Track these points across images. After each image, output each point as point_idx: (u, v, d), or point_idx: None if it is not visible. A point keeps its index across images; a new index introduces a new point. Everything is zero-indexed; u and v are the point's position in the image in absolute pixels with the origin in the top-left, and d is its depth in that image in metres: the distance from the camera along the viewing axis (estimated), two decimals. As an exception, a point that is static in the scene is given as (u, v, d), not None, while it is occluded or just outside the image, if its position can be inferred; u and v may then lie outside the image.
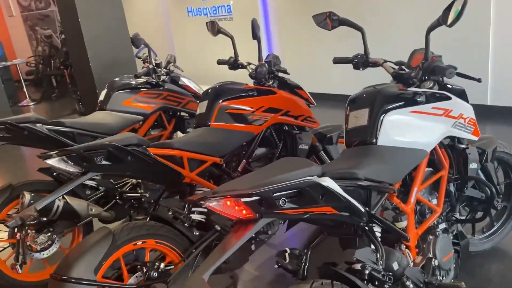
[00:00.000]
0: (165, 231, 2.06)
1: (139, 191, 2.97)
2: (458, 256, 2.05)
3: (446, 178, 2.00)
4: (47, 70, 9.74)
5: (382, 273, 1.48)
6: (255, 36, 2.49)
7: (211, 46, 7.34)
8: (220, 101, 2.45)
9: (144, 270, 1.95)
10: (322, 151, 2.82)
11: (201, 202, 1.34)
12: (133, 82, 3.22)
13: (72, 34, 4.05)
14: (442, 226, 1.95)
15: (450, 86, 2.04)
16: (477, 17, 4.65)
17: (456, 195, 2.07)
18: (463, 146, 2.08)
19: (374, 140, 1.77)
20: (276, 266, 1.68)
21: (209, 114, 2.43)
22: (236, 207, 1.30)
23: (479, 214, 2.27)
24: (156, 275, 1.96)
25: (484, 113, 4.88)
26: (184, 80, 3.42)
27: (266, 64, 2.57)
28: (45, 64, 9.86)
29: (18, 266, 1.87)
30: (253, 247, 2.40)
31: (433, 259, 1.79)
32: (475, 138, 2.07)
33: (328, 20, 2.22)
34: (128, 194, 2.91)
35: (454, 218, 2.06)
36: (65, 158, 1.88)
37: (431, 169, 2.02)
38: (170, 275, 1.98)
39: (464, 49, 4.84)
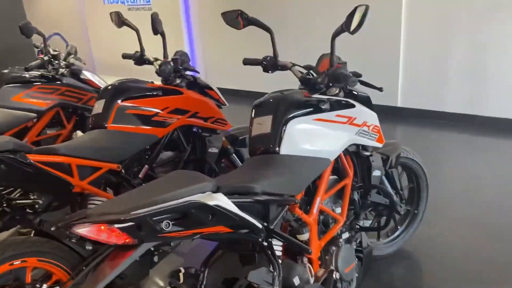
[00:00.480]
0: (50, 247, 1.82)
1: (32, 197, 2.66)
2: (361, 264, 2.04)
3: (350, 186, 1.97)
4: None
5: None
6: (156, 31, 2.29)
7: (128, 36, 6.94)
8: (119, 101, 2.23)
9: None
10: (234, 154, 2.72)
11: (71, 227, 1.16)
12: (25, 75, 2.87)
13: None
14: (346, 235, 1.92)
15: (355, 93, 2.02)
16: (389, 20, 4.82)
17: (360, 203, 2.06)
18: (367, 153, 2.07)
19: (277, 148, 1.68)
20: (169, 288, 1.54)
21: (106, 115, 2.20)
22: (113, 233, 1.14)
23: (384, 219, 2.29)
24: (35, 297, 1.73)
25: (395, 114, 5.10)
26: (87, 74, 3.13)
27: (172, 62, 2.39)
28: None
29: None
30: (155, 258, 2.23)
31: (335, 272, 1.75)
32: (380, 145, 2.07)
33: (240, 19, 2.10)
34: (18, 201, 2.59)
35: (358, 226, 2.05)
36: None
37: (336, 177, 1.99)
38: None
39: (376, 53, 5.01)
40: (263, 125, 1.75)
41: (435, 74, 4.79)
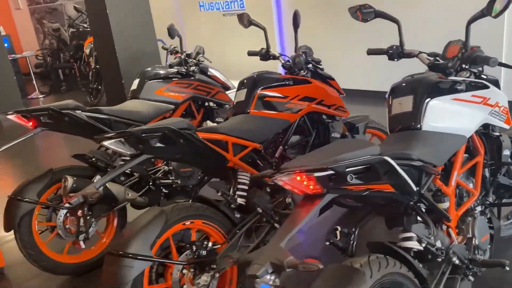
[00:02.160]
0: (210, 212, 2.15)
1: (171, 178, 3.06)
2: (491, 239, 2.14)
3: (481, 163, 2.09)
4: (56, 63, 9.79)
5: (436, 247, 1.58)
6: (297, 26, 2.57)
7: (223, 40, 7.40)
8: (259, 90, 2.53)
9: (194, 248, 2.04)
10: (351, 140, 2.92)
11: (271, 177, 1.43)
12: (165, 72, 3.30)
13: (100, 27, 4.13)
14: (479, 208, 2.05)
15: (484, 77, 2.14)
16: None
17: (490, 180, 2.17)
18: (497, 133, 2.18)
19: (419, 125, 1.86)
20: (327, 243, 1.78)
21: (248, 102, 2.51)
22: (305, 182, 1.39)
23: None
24: (205, 253, 2.05)
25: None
26: (213, 71, 3.51)
27: (304, 54, 2.66)
28: (53, 57, 9.90)
29: (81, 242, 1.93)
30: None
31: (474, 239, 1.89)
32: (507, 127, 2.17)
33: (359, 13, 2.30)
34: (162, 181, 2.99)
35: (488, 202, 2.16)
36: (122, 140, 1.96)
37: (466, 155, 2.12)
38: (216, 254, 2.08)
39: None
40: (404, 104, 1.94)
41: None
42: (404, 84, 2.00)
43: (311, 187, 1.40)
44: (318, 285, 1.40)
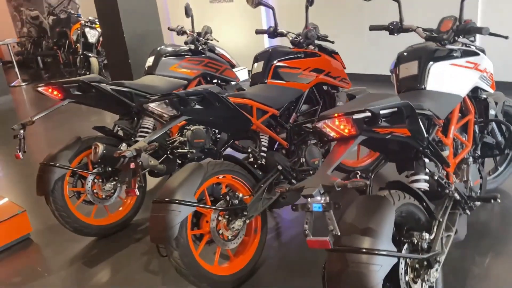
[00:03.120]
0: (238, 169, 2.42)
1: (185, 148, 3.30)
2: (480, 187, 2.51)
3: (473, 121, 2.45)
4: (38, 50, 9.73)
5: (445, 180, 1.91)
6: (311, 3, 2.85)
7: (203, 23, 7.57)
8: (275, 62, 2.81)
9: (228, 198, 2.31)
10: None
11: (313, 122, 1.72)
12: (178, 50, 3.52)
13: (107, 8, 4.27)
14: (471, 159, 2.40)
15: (473, 47, 2.49)
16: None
17: (479, 136, 2.54)
18: (484, 96, 2.54)
19: (423, 86, 2.19)
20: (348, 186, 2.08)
21: (265, 73, 2.79)
22: (342, 126, 1.68)
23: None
24: (237, 202, 2.32)
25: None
26: (220, 50, 3.75)
27: (314, 29, 2.95)
28: (35, 45, 9.83)
29: (136, 189, 2.14)
30: None
31: (468, 181, 2.24)
32: (492, 91, 2.53)
33: None
34: (179, 150, 3.23)
35: (477, 155, 2.52)
36: (166, 101, 2.19)
37: (460, 114, 2.47)
38: (245, 204, 2.35)
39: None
40: (410, 68, 2.26)
41: None
42: (409, 52, 2.32)
43: (346, 130, 1.69)
44: (351, 212, 1.69)
